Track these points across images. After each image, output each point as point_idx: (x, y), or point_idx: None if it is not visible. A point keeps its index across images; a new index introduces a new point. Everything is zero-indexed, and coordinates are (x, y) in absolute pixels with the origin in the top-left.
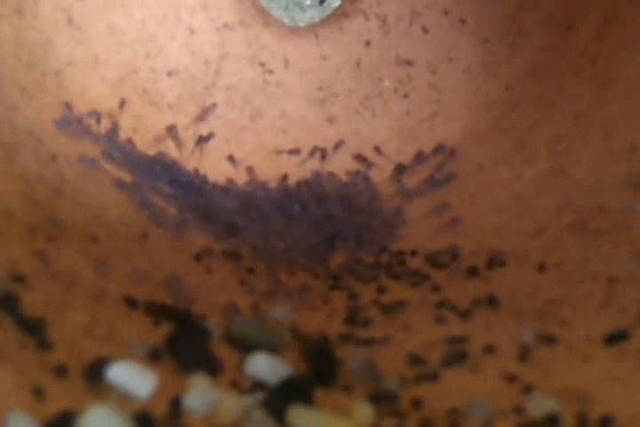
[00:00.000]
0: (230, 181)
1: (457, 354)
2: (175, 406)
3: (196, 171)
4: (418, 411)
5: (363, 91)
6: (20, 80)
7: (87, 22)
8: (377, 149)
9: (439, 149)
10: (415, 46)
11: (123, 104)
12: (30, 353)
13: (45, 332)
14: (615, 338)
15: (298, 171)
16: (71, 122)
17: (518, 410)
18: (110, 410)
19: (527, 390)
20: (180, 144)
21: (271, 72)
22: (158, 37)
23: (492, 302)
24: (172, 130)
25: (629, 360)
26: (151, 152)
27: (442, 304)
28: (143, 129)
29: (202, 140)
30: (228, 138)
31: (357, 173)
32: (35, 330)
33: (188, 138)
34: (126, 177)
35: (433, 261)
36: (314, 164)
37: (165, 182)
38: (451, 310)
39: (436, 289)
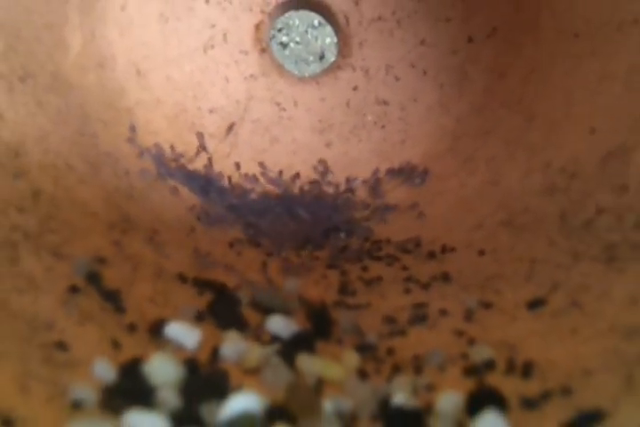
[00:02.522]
0: (254, 189)
1: (419, 316)
2: (214, 354)
3: (230, 181)
4: (391, 358)
5: (351, 123)
6: (101, 115)
7: (150, 73)
8: (360, 168)
9: (407, 166)
10: (390, 90)
11: (176, 134)
12: (109, 315)
13: (120, 300)
14: (535, 304)
15: (304, 183)
16: (138, 146)
17: (464, 357)
18: (167, 357)
19: (471, 342)
20: (217, 162)
21: (285, 110)
22: (202, 84)
23: (445, 277)
24: (212, 153)
25: (546, 320)
26: (196, 169)
27: (408, 279)
28: (190, 151)
29: (237, 159)
30: (253, 157)
31: (346, 184)
32: (112, 298)
33: (225, 158)
34: (179, 187)
35: (402, 247)
36: (315, 178)
37: (207, 191)
38: (415, 284)
39: (404, 268)
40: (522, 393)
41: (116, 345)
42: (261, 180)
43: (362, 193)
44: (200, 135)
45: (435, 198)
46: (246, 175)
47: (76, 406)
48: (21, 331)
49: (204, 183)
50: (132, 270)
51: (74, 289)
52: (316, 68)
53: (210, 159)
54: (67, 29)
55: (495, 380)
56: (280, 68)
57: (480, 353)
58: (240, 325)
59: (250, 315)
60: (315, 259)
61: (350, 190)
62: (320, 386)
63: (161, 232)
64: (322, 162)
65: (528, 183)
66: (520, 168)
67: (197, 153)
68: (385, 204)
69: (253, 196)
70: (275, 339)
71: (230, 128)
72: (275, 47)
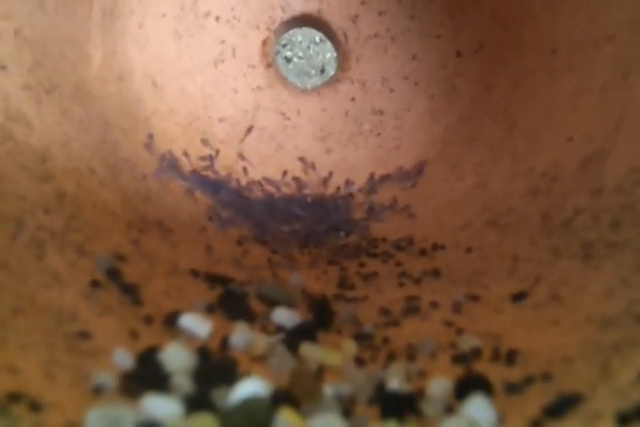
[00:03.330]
0: (260, 192)
1: (412, 308)
2: (224, 343)
3: (238, 185)
4: (386, 346)
5: (350, 131)
6: (121, 123)
7: (166, 85)
8: (358, 173)
9: (400, 170)
10: (385, 101)
11: (189, 140)
12: (128, 308)
13: (138, 293)
14: (518, 297)
15: (307, 186)
16: (154, 149)
17: (453, 345)
18: (181, 346)
19: (459, 332)
20: (227, 167)
21: (289, 119)
22: (213, 95)
23: (435, 273)
24: (222, 158)
25: (528, 312)
26: (207, 173)
27: (402, 274)
28: (202, 156)
29: (245, 164)
30: (260, 162)
31: (345, 187)
32: (131, 292)
33: (234, 163)
34: (191, 190)
35: (396, 245)
36: (317, 181)
37: (217, 193)
38: (408, 278)
39: (398, 264)
40: (506, 379)
41: (134, 335)
42: (267, 183)
43: (359, 195)
44: (211, 142)
45: (426, 200)
46: (253, 179)
47: (98, 391)
48: (47, 322)
49: (215, 186)
50: (149, 266)
51: (95, 284)
52: (317, 80)
53: (220, 164)
54: (89, 45)
55: (481, 367)
56: (284, 81)
57: (468, 342)
58: (248, 316)
59: (256, 307)
60: (316, 256)
61: (349, 193)
62: (321, 372)
63: (175, 231)
64: (322, 167)
65: (512, 186)
66: (504, 172)
67: (208, 158)
68: (380, 205)
69: (260, 198)
70: (279, 329)
71: (249, 130)
72: (279, 61)
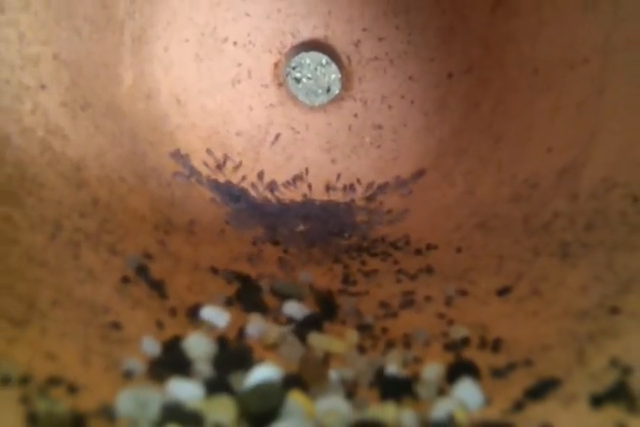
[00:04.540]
0: (273, 198)
1: (408, 301)
2: (241, 333)
3: (254, 191)
4: (385, 335)
5: (352, 143)
6: (148, 137)
7: (188, 103)
8: (359, 180)
9: (398, 179)
10: (384, 117)
11: (208, 151)
12: (155, 301)
13: (164, 288)
14: (503, 292)
15: (314, 193)
16: (178, 159)
17: (444, 335)
18: (202, 335)
19: (450, 323)
20: (243, 176)
21: (298, 133)
22: (231, 112)
23: (429, 270)
24: (238, 167)
25: (512, 305)
26: (225, 181)
27: (399, 271)
28: (221, 167)
29: (259, 173)
30: (273, 171)
31: (349, 194)
32: (157, 287)
33: (249, 172)
34: (211, 196)
35: (394, 245)
36: (323, 188)
37: (235, 199)
38: (404, 275)
39: (396, 262)
40: (492, 365)
41: (160, 325)
42: (279, 190)
43: (361, 201)
44: (229, 153)
45: (421, 205)
46: (267, 186)
47: (128, 375)
48: (83, 314)
49: (232, 193)
50: (174, 264)
51: (126, 280)
52: (323, 99)
53: (236, 173)
54: (120, 67)
55: (470, 354)
56: (294, 99)
57: (458, 332)
58: (262, 309)
59: (269, 300)
60: (322, 255)
61: (352, 199)
62: (327, 359)
63: (197, 233)
64: (328, 176)
65: (497, 193)
66: (491, 180)
67: (226, 168)
68: (380, 210)
69: (273, 203)
70: (290, 320)
71: (276, 138)
72: (290, 82)
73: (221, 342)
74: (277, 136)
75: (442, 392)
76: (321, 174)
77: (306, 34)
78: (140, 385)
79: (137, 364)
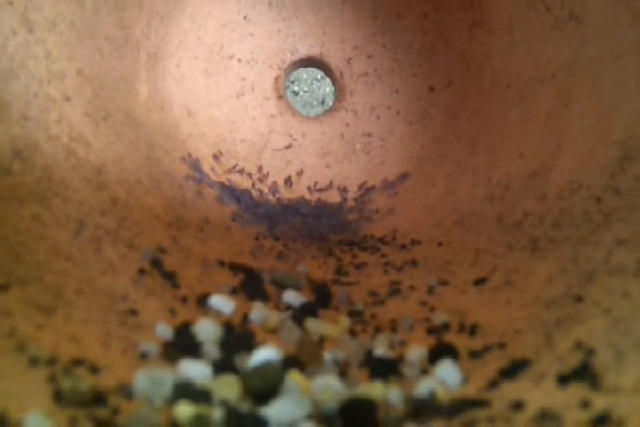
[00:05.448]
0: (274, 198)
1: (394, 290)
2: (245, 319)
3: (257, 192)
4: (373, 321)
5: (344, 150)
6: (162, 144)
7: (198, 114)
8: (351, 183)
9: (385, 181)
10: (372, 126)
11: (216, 157)
12: (168, 291)
13: (176, 279)
14: (479, 282)
15: (310, 194)
16: (189, 164)
17: (427, 320)
18: (210, 321)
19: (432, 310)
20: (247, 178)
21: (296, 140)
22: (236, 121)
23: (413, 262)
24: (242, 171)
25: (487, 294)
26: (231, 183)
27: (386, 264)
28: (227, 170)
29: (261, 176)
30: (273, 175)
31: (341, 195)
32: (170, 278)
33: (252, 175)
34: (219, 196)
35: (382, 240)
36: (319, 190)
37: (240, 199)
38: (391, 267)
39: (383, 256)
40: (469, 347)
41: (172, 312)
42: (279, 191)
43: (352, 201)
44: (234, 159)
45: (406, 205)
46: (268, 188)
47: (143, 357)
48: (104, 302)
49: (238, 194)
50: (185, 258)
51: (142, 271)
52: (318, 110)
53: (241, 176)
54: (137, 82)
55: (450, 338)
56: (292, 110)
57: (439, 318)
58: (263, 297)
59: (270, 290)
60: (318, 249)
61: (344, 199)
62: (322, 342)
63: (205, 230)
64: (323, 178)
65: (474, 193)
66: (468, 182)
67: (233, 172)
68: (369, 209)
69: (273, 203)
70: (289, 307)
71: (287, 147)
72: (289, 95)
73: (227, 327)
74: (288, 147)
75: (424, 372)
76: (316, 177)
77: (303, 52)
78: (155, 366)
79: (152, 347)
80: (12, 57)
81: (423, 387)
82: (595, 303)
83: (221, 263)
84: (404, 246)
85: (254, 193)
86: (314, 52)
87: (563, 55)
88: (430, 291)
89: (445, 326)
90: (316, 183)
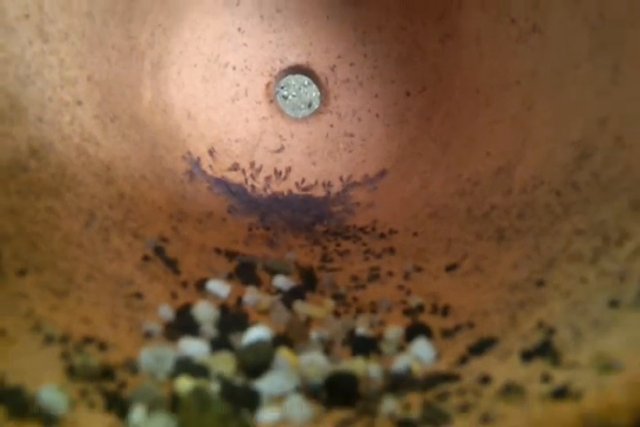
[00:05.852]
0: (265, 192)
1: (374, 276)
2: (239, 301)
3: (250, 187)
4: (355, 303)
5: (329, 149)
6: (165, 144)
7: (198, 116)
8: (335, 178)
9: (366, 177)
10: (354, 127)
11: (213, 155)
12: (170, 276)
13: (177, 265)
14: (451, 268)
15: (298, 188)
16: (189, 162)
17: (404, 303)
18: (208, 303)
19: (408, 293)
20: (241, 174)
21: (285, 140)
22: (231, 123)
23: (391, 250)
24: (237, 168)
25: (458, 279)
26: (227, 179)
27: (367, 251)
28: (223, 167)
29: (253, 172)
30: (264, 171)
31: (326, 189)
32: (172, 265)
33: (246, 172)
34: (216, 191)
35: (363, 230)
36: (306, 185)
37: (235, 193)
38: (371, 254)
39: (364, 244)
40: (442, 327)
41: (174, 296)
42: (270, 186)
43: (336, 195)
44: (229, 157)
45: (384, 198)
46: (260, 183)
47: (148, 336)
48: (111, 286)
49: (233, 188)
50: (185, 246)
51: (146, 258)
52: (306, 112)
53: (236, 173)
54: (141, 87)
55: (424, 318)
56: (282, 113)
57: (414, 300)
58: (256, 282)
59: (263, 276)
60: (305, 238)
61: (328, 193)
62: (309, 322)
63: (203, 221)
64: (309, 175)
65: (446, 188)
66: (441, 179)
67: (228, 169)
68: (351, 202)
69: (265, 197)
70: (279, 291)
71: (280, 150)
72: (279, 99)
73: (223, 308)
74: (280, 150)
75: (401, 349)
76: (303, 174)
77: (292, 60)
78: (158, 344)
79: (155, 326)
80: (28, 65)
81: (400, 363)
82: (555, 287)
83: (218, 251)
84: (382, 236)
85: (247, 188)
86: (301, 60)
87: (526, 64)
88: (406, 276)
89: (420, 308)
90: (303, 179)
